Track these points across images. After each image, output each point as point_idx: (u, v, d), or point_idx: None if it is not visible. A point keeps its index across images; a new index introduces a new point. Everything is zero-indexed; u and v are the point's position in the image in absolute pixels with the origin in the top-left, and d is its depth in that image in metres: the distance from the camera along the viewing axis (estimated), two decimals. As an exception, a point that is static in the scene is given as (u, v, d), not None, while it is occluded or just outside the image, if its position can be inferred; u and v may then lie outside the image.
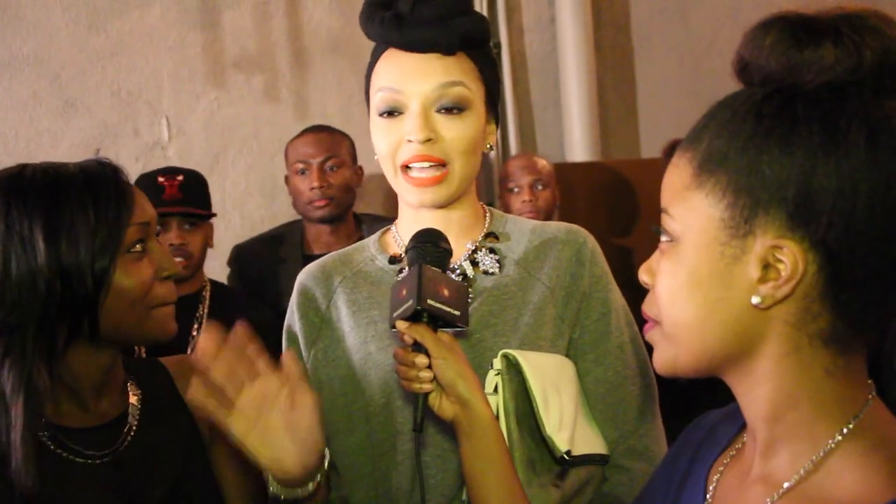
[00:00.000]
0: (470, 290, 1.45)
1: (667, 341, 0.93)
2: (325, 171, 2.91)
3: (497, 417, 1.35)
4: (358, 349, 1.49)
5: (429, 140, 1.41)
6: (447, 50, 1.42)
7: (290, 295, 1.60)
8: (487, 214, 1.56)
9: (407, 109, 1.42)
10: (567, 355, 1.48)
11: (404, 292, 1.30)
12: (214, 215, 2.84)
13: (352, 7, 3.79)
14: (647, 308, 0.95)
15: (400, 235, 1.55)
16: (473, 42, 1.45)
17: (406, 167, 1.43)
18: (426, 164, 1.42)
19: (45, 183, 1.32)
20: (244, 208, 3.60)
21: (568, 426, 1.40)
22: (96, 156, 1.41)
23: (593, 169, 3.99)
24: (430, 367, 1.28)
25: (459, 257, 1.49)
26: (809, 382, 0.87)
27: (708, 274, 0.88)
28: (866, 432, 0.86)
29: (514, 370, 1.39)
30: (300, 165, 2.95)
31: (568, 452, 1.38)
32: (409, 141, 1.41)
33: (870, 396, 0.89)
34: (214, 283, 2.75)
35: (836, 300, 0.84)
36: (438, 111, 1.42)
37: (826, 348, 0.86)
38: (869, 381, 0.90)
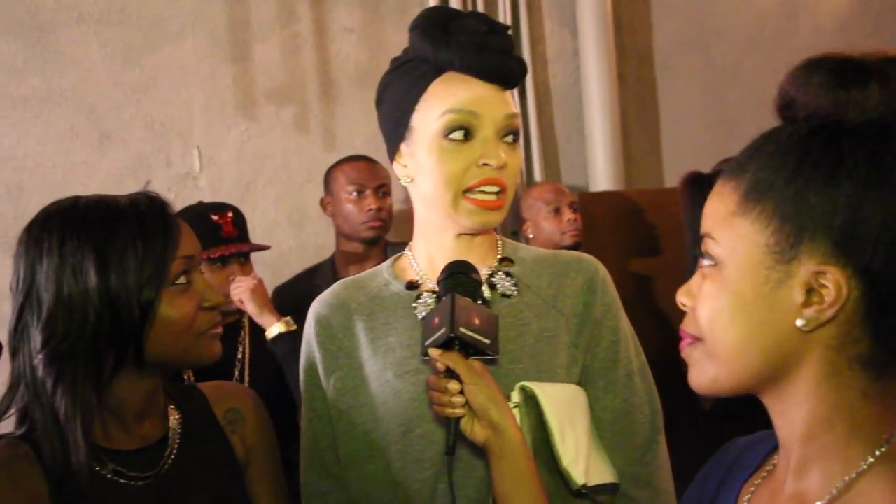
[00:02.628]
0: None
1: (707, 359, 0.95)
2: (379, 196, 3.05)
3: None
4: (376, 377, 1.49)
5: (504, 166, 1.43)
6: (514, 82, 1.47)
7: None
8: (499, 241, 1.58)
9: (478, 133, 1.43)
10: (577, 382, 1.49)
11: (437, 321, 1.33)
12: (269, 247, 2.94)
13: (378, 41, 3.87)
14: (687, 326, 0.98)
15: (416, 261, 1.55)
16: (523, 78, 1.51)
17: (467, 190, 1.44)
18: (495, 188, 1.43)
19: (97, 216, 1.37)
20: (273, 237, 3.65)
21: (583, 458, 1.42)
22: (146, 188, 1.45)
23: (617, 198, 4.01)
24: (461, 392, 1.30)
25: None
26: (845, 404, 0.90)
27: (752, 297, 0.91)
28: None
29: (531, 402, 1.41)
30: (354, 187, 3.05)
31: (584, 486, 1.40)
32: (486, 165, 1.42)
33: None
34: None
35: (876, 326, 0.87)
36: (503, 138, 1.44)
37: (864, 372, 0.89)
38: None
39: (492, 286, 1.51)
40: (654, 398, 1.53)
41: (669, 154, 4.51)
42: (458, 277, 1.39)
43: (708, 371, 0.95)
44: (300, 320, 2.95)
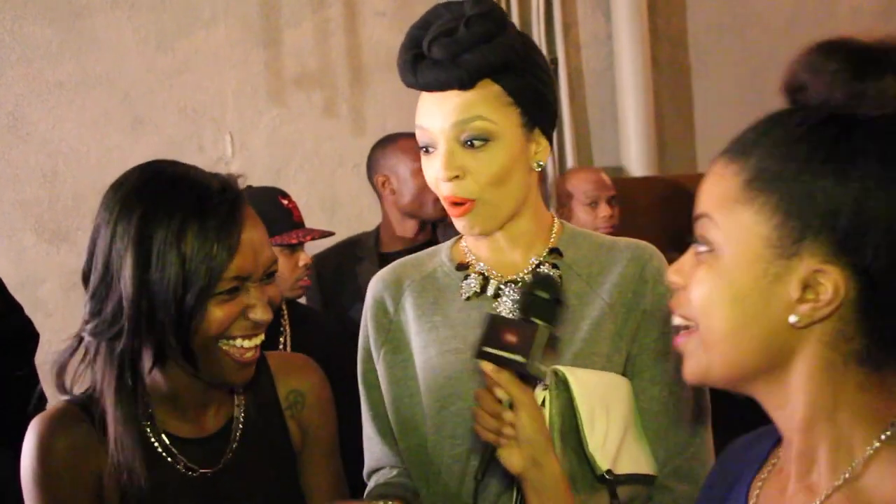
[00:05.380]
0: None
1: (701, 349, 0.94)
2: None
3: None
4: (420, 353, 1.53)
5: (456, 177, 1.43)
6: (461, 86, 1.42)
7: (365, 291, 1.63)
8: (555, 227, 1.56)
9: (437, 147, 1.45)
10: (623, 372, 1.48)
11: (513, 339, 1.28)
12: (334, 233, 2.89)
13: (410, 24, 3.85)
14: (677, 306, 0.97)
15: (469, 246, 1.56)
16: (496, 69, 1.42)
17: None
18: (456, 200, 1.45)
19: (153, 206, 1.28)
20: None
21: (613, 445, 1.41)
22: (233, 176, 1.36)
23: (650, 183, 3.99)
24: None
25: (521, 271, 1.51)
26: (842, 396, 0.89)
27: (749, 289, 0.90)
28: None
29: (562, 386, 1.41)
30: None
31: (609, 471, 1.39)
32: (439, 178, 1.44)
33: None
34: (286, 299, 2.80)
35: (872, 325, 0.87)
36: (464, 145, 1.43)
37: (859, 367, 0.88)
38: None
39: None
40: (703, 393, 1.51)
41: (703, 139, 4.46)
42: (546, 301, 1.32)
43: (702, 361, 0.94)
44: (341, 289, 2.99)
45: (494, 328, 1.31)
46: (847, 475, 0.89)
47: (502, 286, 1.50)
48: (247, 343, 1.34)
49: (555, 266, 1.52)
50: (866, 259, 0.85)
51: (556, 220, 1.57)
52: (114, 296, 1.28)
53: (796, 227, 0.87)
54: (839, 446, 0.90)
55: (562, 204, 3.50)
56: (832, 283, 0.85)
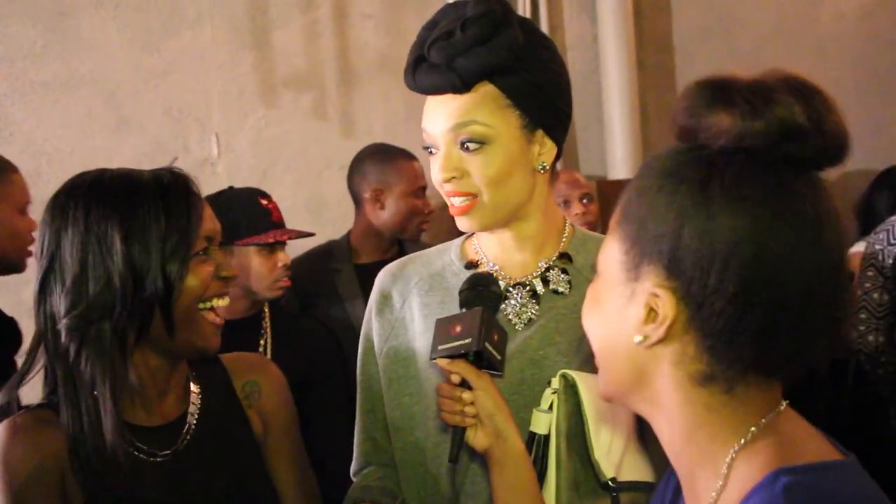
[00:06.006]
0: (537, 307, 1.49)
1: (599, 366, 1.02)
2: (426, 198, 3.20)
3: (549, 435, 1.39)
4: (426, 352, 1.51)
5: (452, 178, 1.43)
6: (455, 90, 1.41)
7: (346, 301, 1.62)
8: (567, 232, 1.55)
9: (439, 148, 1.45)
10: None
11: (459, 329, 1.36)
12: (314, 234, 2.92)
13: (398, 27, 3.85)
14: None
15: (479, 245, 1.57)
16: (492, 71, 1.40)
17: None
18: (458, 199, 1.45)
19: (122, 189, 1.41)
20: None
21: (617, 452, 1.41)
22: (171, 164, 1.49)
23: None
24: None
25: (530, 273, 1.51)
26: (695, 417, 0.94)
27: (610, 309, 0.98)
28: (759, 444, 0.92)
29: (570, 391, 1.41)
30: (419, 188, 3.14)
31: (613, 479, 1.40)
32: (439, 180, 1.45)
33: (762, 418, 0.93)
34: (269, 302, 2.80)
35: (706, 346, 0.91)
36: (461, 147, 1.43)
37: (704, 388, 0.93)
38: (781, 403, 0.95)
39: (545, 281, 1.51)
40: None
41: (689, 142, 4.48)
42: (480, 291, 1.42)
43: (599, 377, 1.03)
44: (315, 296, 3.00)
45: (441, 329, 1.40)
46: (717, 489, 0.93)
47: (511, 288, 1.51)
48: (220, 302, 1.48)
49: (564, 271, 1.52)
50: (686, 283, 0.90)
51: (567, 223, 1.57)
52: (96, 280, 1.38)
53: (637, 253, 0.94)
54: (707, 464, 0.94)
55: None
56: (663, 305, 0.91)
